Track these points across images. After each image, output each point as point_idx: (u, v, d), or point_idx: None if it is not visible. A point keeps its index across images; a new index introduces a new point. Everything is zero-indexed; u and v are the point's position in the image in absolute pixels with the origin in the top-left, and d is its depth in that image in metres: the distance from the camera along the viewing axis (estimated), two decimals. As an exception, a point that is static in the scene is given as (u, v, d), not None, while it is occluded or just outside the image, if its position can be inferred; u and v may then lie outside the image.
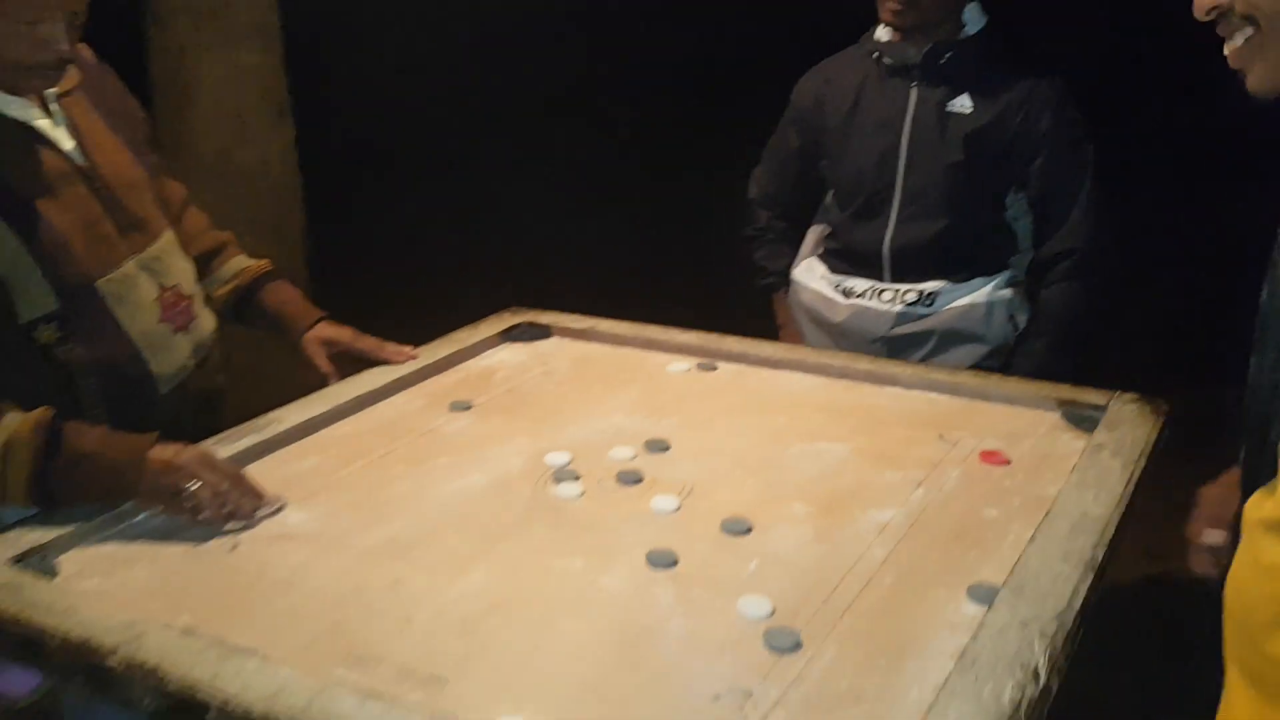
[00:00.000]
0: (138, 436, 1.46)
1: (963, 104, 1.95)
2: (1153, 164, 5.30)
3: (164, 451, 1.44)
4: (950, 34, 1.99)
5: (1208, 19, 1.00)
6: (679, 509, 1.44)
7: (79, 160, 1.57)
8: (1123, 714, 2.48)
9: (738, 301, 2.48)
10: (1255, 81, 0.99)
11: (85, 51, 1.66)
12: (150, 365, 1.62)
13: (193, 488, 1.41)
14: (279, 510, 1.48)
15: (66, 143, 1.57)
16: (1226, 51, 1.00)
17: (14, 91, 1.50)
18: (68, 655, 1.16)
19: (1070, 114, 1.98)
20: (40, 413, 1.44)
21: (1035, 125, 1.94)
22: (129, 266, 1.60)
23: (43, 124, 1.54)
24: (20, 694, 1.46)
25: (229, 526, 1.43)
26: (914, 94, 1.97)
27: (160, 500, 1.44)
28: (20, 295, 1.47)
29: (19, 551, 1.34)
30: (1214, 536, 1.26)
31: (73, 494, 1.44)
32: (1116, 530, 1.31)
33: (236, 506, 1.44)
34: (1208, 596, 1.03)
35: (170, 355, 1.66)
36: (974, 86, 1.95)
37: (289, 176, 3.68)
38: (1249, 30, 0.97)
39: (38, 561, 1.35)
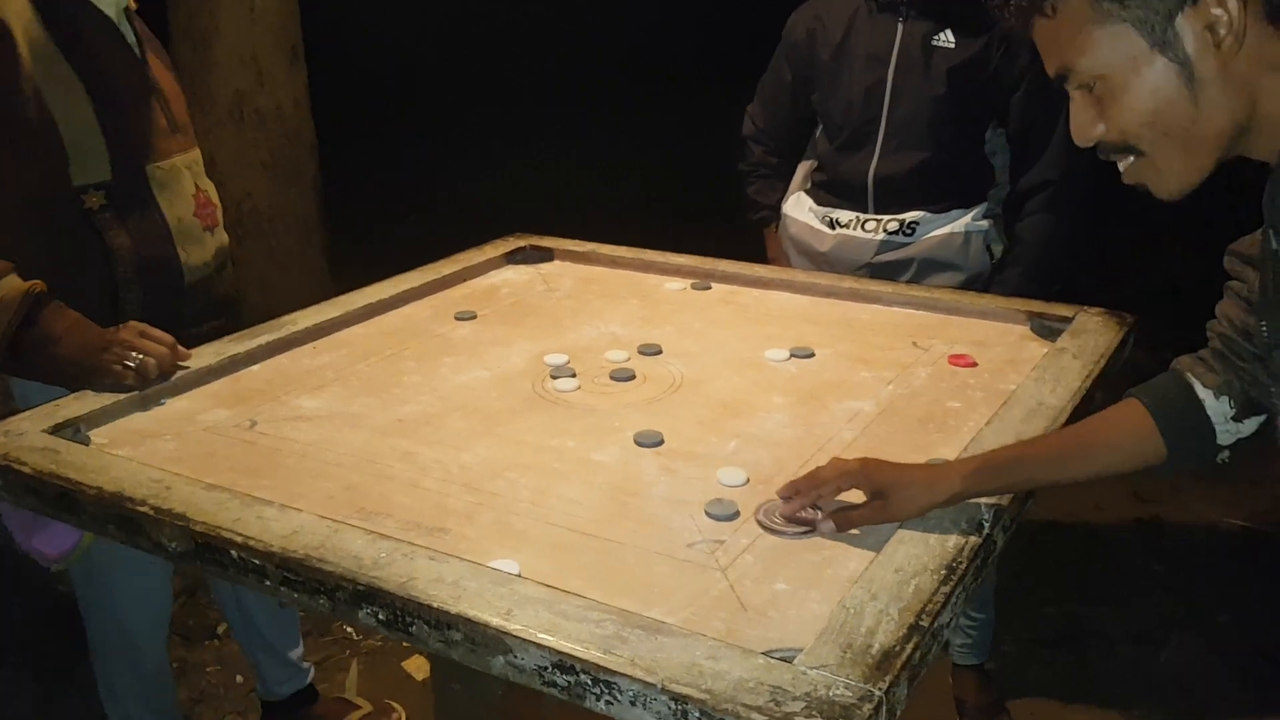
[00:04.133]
0: (99, 333, 1.55)
1: (946, 38, 2.03)
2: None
3: (104, 337, 1.53)
4: None
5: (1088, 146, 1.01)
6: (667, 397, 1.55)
7: (143, 61, 1.74)
8: (1116, 642, 2.59)
9: (730, 235, 2.57)
10: (1160, 192, 0.99)
11: None
12: (179, 251, 1.75)
13: (120, 350, 1.50)
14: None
15: (135, 46, 1.74)
16: (1121, 169, 1.00)
17: None
18: (102, 506, 1.27)
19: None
20: (32, 284, 1.54)
21: (1015, 60, 2.02)
22: (176, 160, 1.76)
23: (123, 25, 1.71)
24: (54, 555, 1.56)
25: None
26: (901, 28, 2.05)
27: (107, 376, 1.52)
28: (78, 160, 1.62)
29: (54, 423, 1.45)
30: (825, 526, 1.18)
31: (36, 369, 1.56)
32: (1069, 419, 1.40)
33: (158, 358, 1.52)
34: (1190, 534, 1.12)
35: (198, 248, 1.79)
36: (957, 22, 2.03)
37: (302, 120, 3.77)
38: (1130, 157, 0.98)
39: (71, 433, 1.46)
